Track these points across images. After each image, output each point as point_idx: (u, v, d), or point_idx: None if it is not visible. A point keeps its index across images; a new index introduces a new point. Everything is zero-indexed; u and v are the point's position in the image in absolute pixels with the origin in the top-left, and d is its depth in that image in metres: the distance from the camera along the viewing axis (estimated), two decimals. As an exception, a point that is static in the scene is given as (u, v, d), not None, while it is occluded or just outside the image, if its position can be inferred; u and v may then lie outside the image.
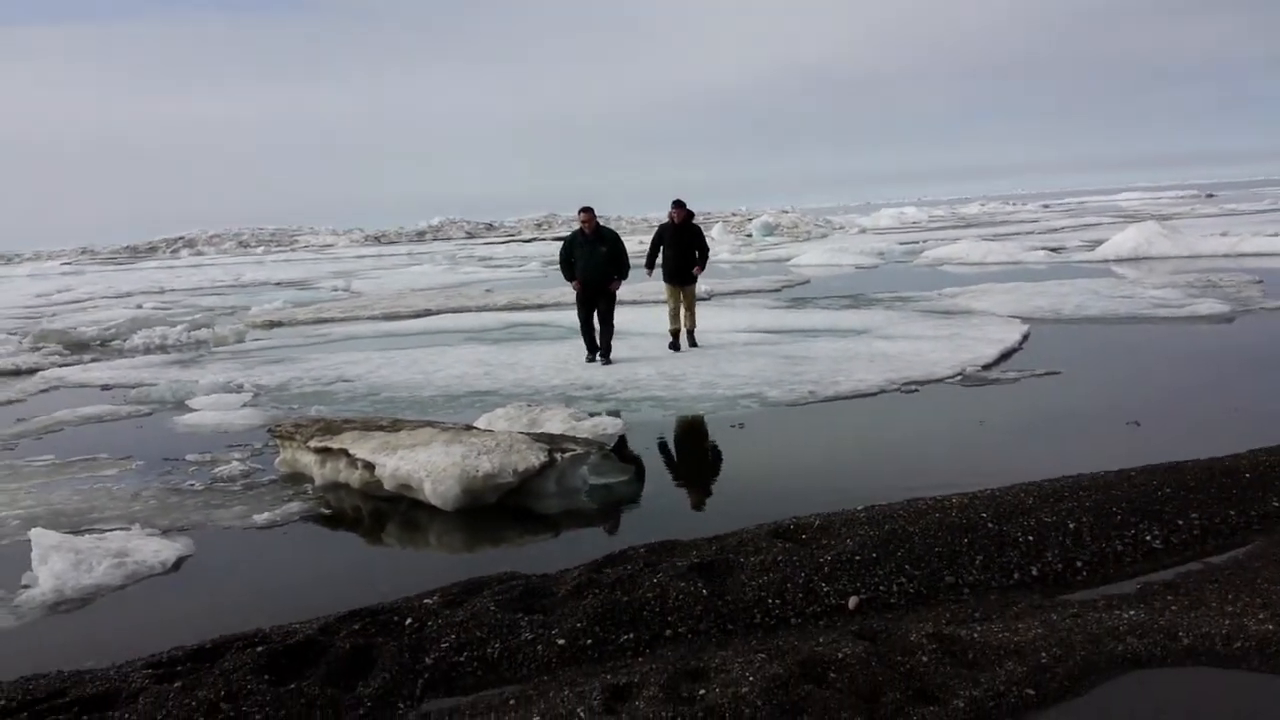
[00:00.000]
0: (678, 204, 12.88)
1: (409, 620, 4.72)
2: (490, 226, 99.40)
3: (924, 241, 39.13)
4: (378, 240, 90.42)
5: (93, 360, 16.98)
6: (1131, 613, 4.38)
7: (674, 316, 13.01)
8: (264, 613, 5.17)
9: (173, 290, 36.58)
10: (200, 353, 17.18)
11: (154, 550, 6.33)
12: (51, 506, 7.61)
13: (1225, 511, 5.55)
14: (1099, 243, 29.02)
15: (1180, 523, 5.43)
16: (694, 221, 13.03)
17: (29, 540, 6.53)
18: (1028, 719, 3.72)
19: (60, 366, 16.23)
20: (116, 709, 4.14)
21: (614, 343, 12.40)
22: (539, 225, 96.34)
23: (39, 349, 18.35)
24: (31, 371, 15.94)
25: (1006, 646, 4.09)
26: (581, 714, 3.76)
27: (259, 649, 4.49)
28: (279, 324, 21.33)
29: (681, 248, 12.71)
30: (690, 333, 13.08)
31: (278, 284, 37.25)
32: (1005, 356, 11.70)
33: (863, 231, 55.66)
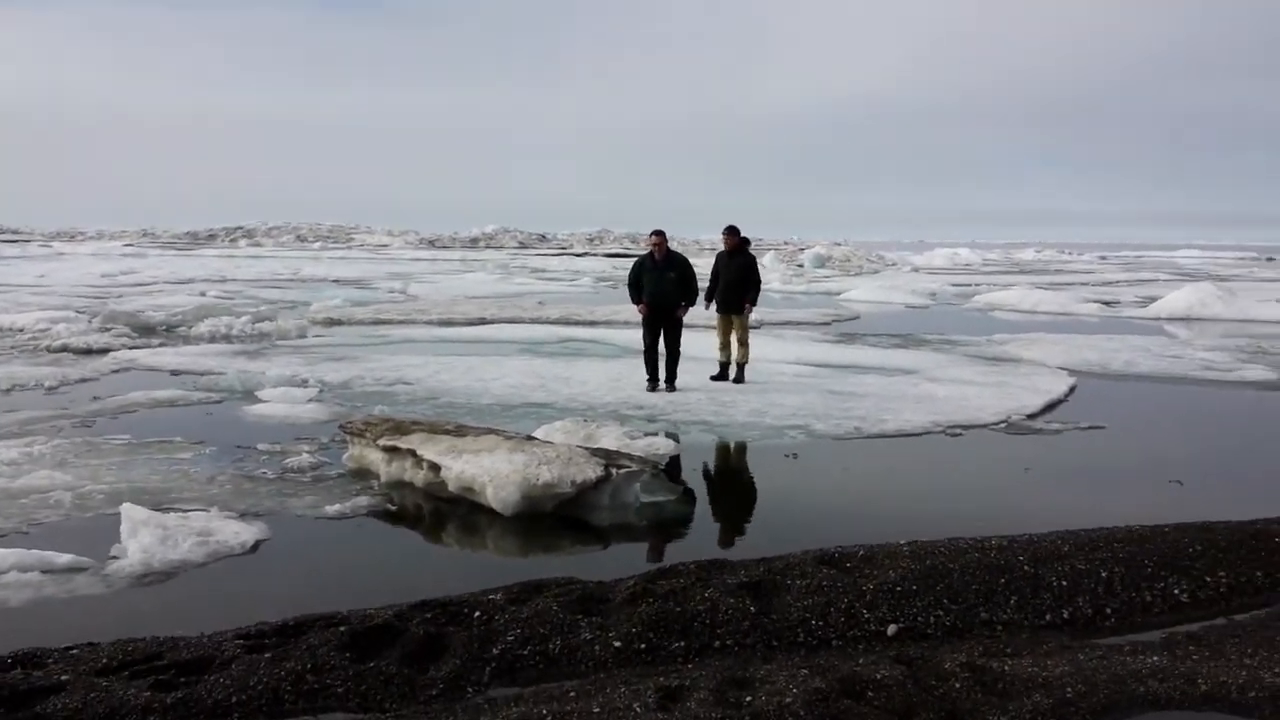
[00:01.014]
0: (730, 230, 12.79)
1: (477, 613, 5.10)
2: (543, 238, 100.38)
3: (976, 285, 39.22)
4: (431, 244, 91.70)
5: (160, 344, 17.64)
6: (1155, 658, 4.66)
7: (723, 347, 12.97)
8: (338, 597, 5.56)
9: (233, 280, 37.50)
10: (264, 345, 17.76)
11: (234, 532, 6.76)
12: (133, 484, 8.06)
13: (1253, 572, 5.80)
14: (1153, 299, 29.02)
15: (1208, 579, 5.69)
16: (750, 250, 13.06)
17: (113, 514, 7.01)
18: (1050, 748, 4.01)
19: (130, 349, 16.89)
20: (211, 673, 4.55)
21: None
22: (591, 240, 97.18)
23: (108, 329, 19.07)
24: (103, 351, 16.61)
25: (1035, 680, 4.39)
26: (638, 709, 4.11)
27: (340, 629, 4.89)
28: (339, 322, 21.93)
29: (732, 276, 12.65)
30: (741, 367, 12.89)
31: (335, 281, 38.05)
32: (1051, 407, 11.89)
33: (915, 270, 55.68)
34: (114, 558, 6.35)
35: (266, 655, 4.64)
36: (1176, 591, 5.59)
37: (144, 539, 6.41)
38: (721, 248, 13.12)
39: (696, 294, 12.37)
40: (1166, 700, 4.32)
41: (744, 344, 12.92)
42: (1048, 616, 5.31)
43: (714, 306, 12.93)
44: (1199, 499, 7.76)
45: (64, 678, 4.48)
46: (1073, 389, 13.17)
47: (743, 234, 12.94)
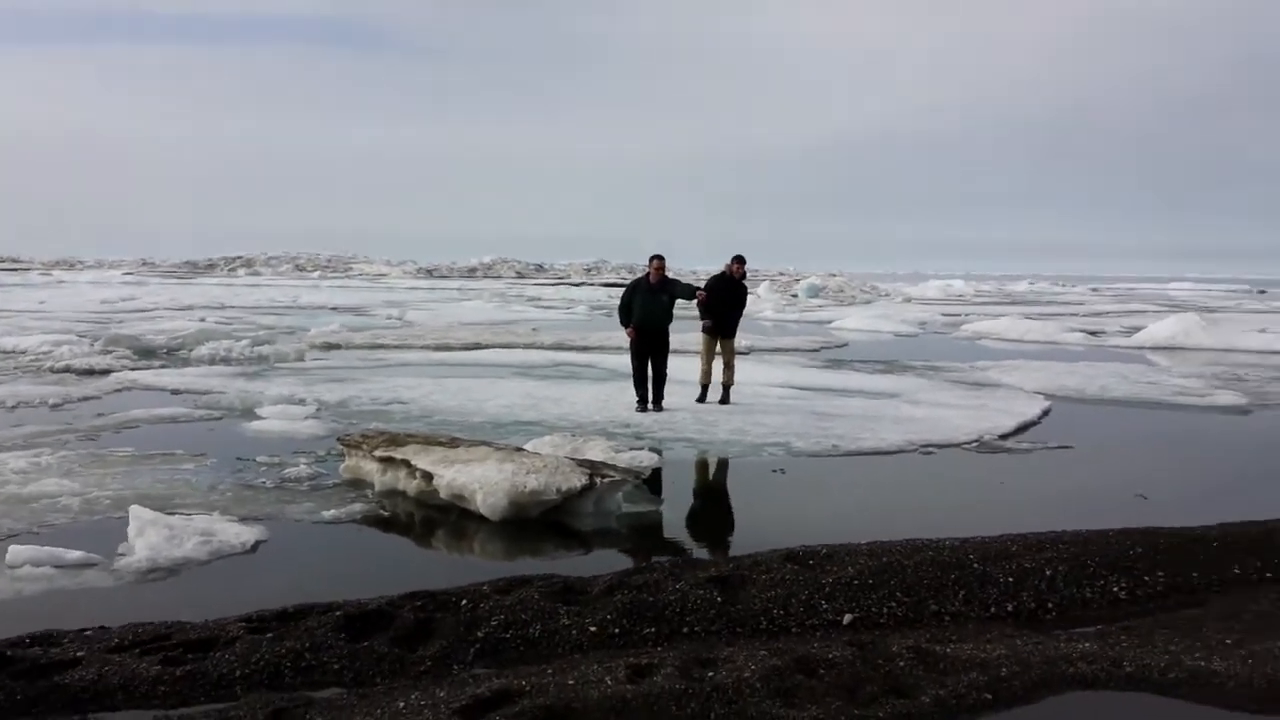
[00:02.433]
0: (741, 259, 13.34)
1: (464, 601, 5.49)
2: (540, 268, 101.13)
3: (966, 315, 39.70)
4: (429, 274, 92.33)
5: (161, 366, 18.03)
6: (1086, 645, 5.06)
7: (706, 371, 13.39)
8: (334, 591, 5.91)
9: (233, 307, 37.99)
10: (262, 367, 18.14)
11: (235, 533, 7.15)
12: (137, 491, 8.44)
13: (1190, 573, 6.20)
14: (1139, 329, 29.48)
15: (1147, 579, 6.09)
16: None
17: (119, 517, 7.43)
18: (984, 718, 4.40)
19: (131, 370, 17.26)
20: (216, 651, 4.93)
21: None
22: (588, 270, 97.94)
23: (110, 352, 19.46)
24: (105, 372, 16.98)
25: (973, 660, 4.79)
26: (609, 681, 4.50)
27: (336, 614, 5.28)
28: (336, 346, 22.34)
29: (733, 302, 13.23)
30: (726, 388, 13.32)
31: (334, 309, 38.53)
32: (1023, 429, 12.30)
33: (908, 301, 56.23)
34: (121, 555, 6.74)
35: (267, 636, 5.03)
36: (1116, 589, 6.00)
37: (150, 537, 6.80)
38: (719, 271, 13.62)
39: (694, 291, 12.84)
40: (1094, 680, 4.72)
41: (730, 366, 13.40)
42: (993, 609, 5.71)
43: (701, 326, 13.34)
44: (1152, 511, 8.15)
45: (79, 654, 4.87)
46: (1046, 412, 13.59)
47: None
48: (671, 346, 12.95)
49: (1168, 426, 13.39)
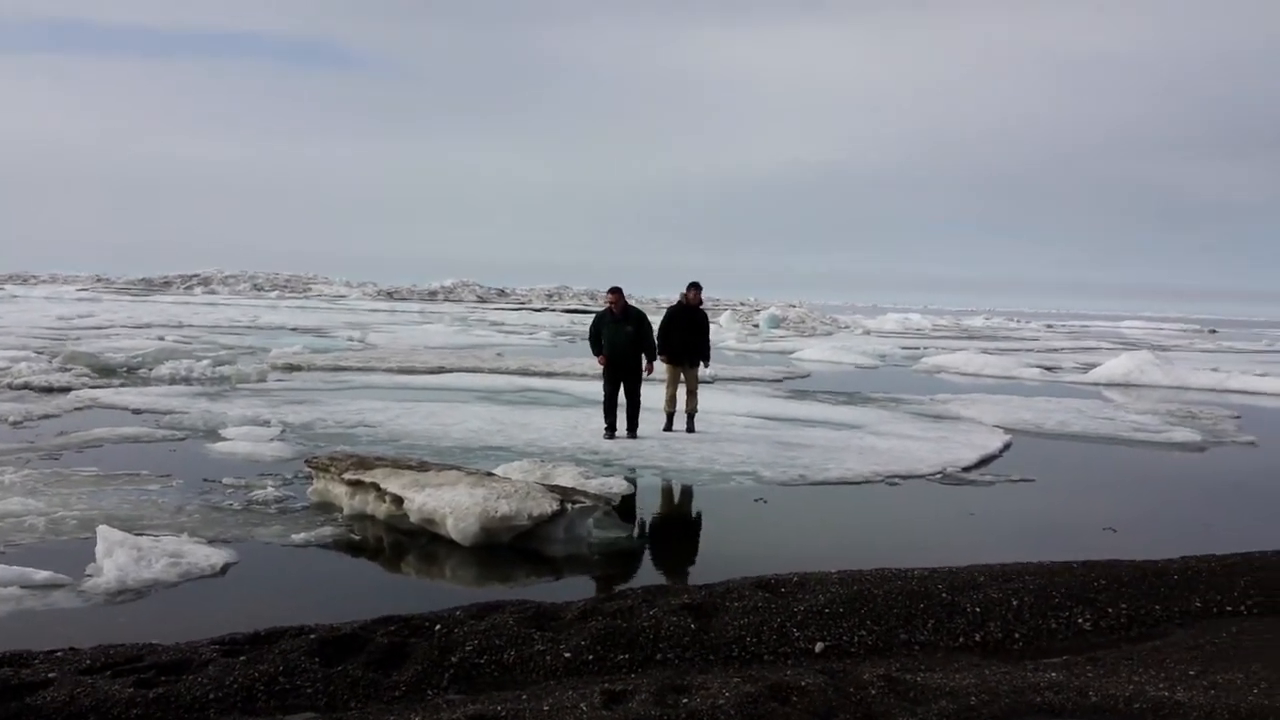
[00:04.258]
0: (697, 286, 13.56)
1: (438, 626, 5.50)
2: (502, 292, 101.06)
3: (925, 348, 40.14)
4: (389, 295, 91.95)
5: (121, 385, 17.84)
6: (1053, 674, 5.15)
7: (671, 399, 13.49)
8: (306, 615, 5.90)
9: (191, 326, 37.60)
10: (224, 388, 18.02)
11: (204, 555, 7.11)
12: (103, 511, 8.37)
13: (1151, 605, 6.33)
14: (1093, 366, 29.94)
15: (1110, 610, 6.21)
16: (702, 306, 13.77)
17: (86, 538, 7.36)
18: (954, 746, 4.48)
19: (91, 388, 17.08)
20: (189, 674, 4.90)
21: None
22: (550, 295, 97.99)
23: (69, 369, 19.24)
24: (65, 390, 16.80)
25: (943, 688, 4.86)
26: (584, 708, 4.52)
27: (310, 637, 5.27)
28: (298, 368, 22.19)
29: (693, 329, 13.37)
30: (690, 416, 13.40)
31: (294, 329, 38.23)
32: (985, 461, 12.49)
33: (867, 333, 56.74)
34: (89, 575, 6.69)
35: (241, 659, 5.01)
36: (1081, 620, 6.11)
37: (119, 558, 6.75)
38: (677, 299, 13.75)
39: (654, 347, 12.90)
40: (1060, 708, 4.80)
41: (693, 393, 13.48)
42: (961, 639, 5.80)
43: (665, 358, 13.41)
44: (1114, 544, 8.32)
45: (50, 675, 4.82)
46: (1007, 445, 13.79)
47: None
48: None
49: (1126, 461, 13.64)
